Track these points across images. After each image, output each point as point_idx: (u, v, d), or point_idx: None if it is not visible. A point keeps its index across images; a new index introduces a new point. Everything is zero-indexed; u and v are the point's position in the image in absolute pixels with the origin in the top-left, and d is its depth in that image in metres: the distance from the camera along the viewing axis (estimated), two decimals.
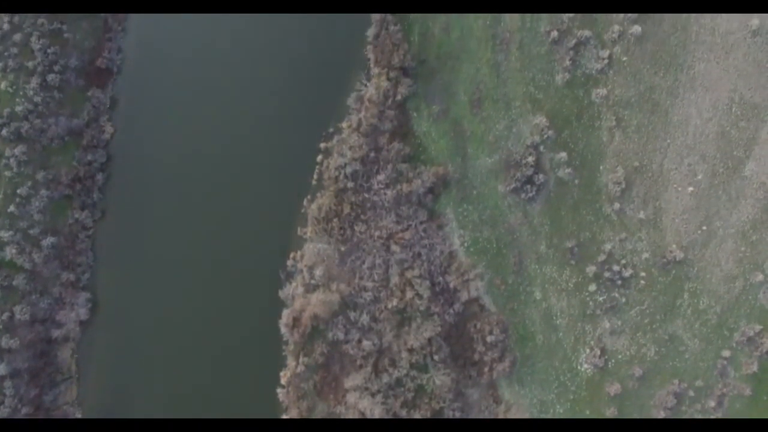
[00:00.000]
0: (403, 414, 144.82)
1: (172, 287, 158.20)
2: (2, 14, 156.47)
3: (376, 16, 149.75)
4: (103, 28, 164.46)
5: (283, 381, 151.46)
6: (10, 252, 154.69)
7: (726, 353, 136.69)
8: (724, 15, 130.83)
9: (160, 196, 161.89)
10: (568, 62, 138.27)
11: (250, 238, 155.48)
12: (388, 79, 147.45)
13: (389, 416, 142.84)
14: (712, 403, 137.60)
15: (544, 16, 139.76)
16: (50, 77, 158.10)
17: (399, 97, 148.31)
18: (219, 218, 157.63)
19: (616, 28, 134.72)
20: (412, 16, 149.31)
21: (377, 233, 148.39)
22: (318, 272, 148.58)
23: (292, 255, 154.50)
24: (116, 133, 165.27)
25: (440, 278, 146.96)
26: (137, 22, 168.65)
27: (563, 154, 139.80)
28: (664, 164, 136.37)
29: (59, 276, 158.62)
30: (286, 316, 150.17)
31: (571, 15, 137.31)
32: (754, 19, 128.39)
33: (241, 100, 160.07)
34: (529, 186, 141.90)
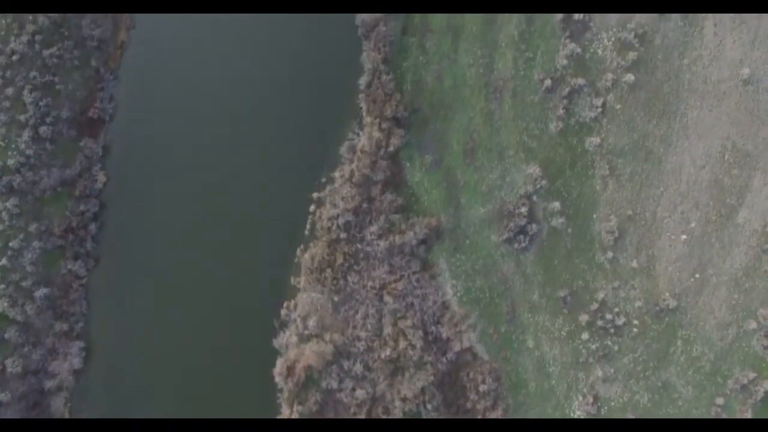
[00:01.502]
0: None
1: (166, 334, 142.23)
2: None
3: (368, 65, 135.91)
4: (94, 77, 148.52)
5: None
6: (2, 305, 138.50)
7: (720, 400, 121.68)
8: (715, 63, 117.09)
9: (153, 243, 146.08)
10: (561, 111, 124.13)
11: (244, 286, 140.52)
12: (381, 129, 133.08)
13: None
14: None
15: (537, 63, 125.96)
16: (42, 129, 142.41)
17: (391, 148, 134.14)
18: (213, 267, 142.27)
19: (610, 76, 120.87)
20: (405, 64, 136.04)
21: (370, 283, 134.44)
22: (311, 322, 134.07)
23: (285, 304, 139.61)
24: (109, 181, 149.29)
25: (433, 328, 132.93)
26: (129, 70, 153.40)
27: (556, 204, 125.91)
28: (657, 212, 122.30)
29: (52, 326, 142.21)
30: (280, 365, 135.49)
31: (565, 63, 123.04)
32: (745, 68, 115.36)
33: (233, 148, 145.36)
34: (522, 236, 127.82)
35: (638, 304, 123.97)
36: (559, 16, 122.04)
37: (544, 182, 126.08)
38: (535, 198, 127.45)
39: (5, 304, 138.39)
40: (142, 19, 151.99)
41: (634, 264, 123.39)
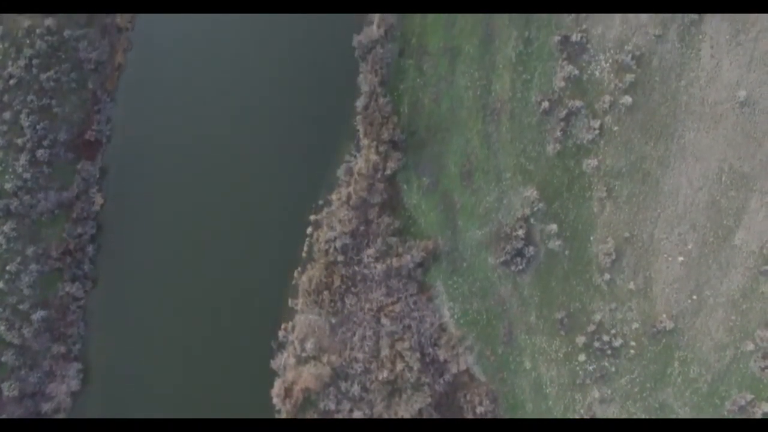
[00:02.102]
0: None
1: (163, 354, 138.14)
2: None
3: (365, 87, 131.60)
4: (91, 99, 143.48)
5: None
6: None
7: None
8: (712, 85, 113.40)
9: (150, 264, 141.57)
10: (559, 133, 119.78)
11: (242, 307, 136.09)
12: (378, 152, 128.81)
13: None
14: None
15: (535, 84, 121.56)
16: (39, 153, 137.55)
17: (388, 171, 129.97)
18: (210, 288, 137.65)
19: (607, 98, 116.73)
20: (403, 86, 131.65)
21: (367, 306, 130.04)
22: (309, 345, 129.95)
23: (283, 326, 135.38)
24: (106, 202, 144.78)
25: (430, 349, 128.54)
26: (126, 91, 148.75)
27: (553, 226, 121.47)
28: (654, 234, 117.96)
29: (50, 349, 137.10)
30: (277, 386, 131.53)
31: (562, 85, 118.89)
32: (742, 90, 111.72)
33: (230, 169, 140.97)
34: (519, 258, 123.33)
35: (635, 325, 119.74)
36: (557, 38, 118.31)
37: (541, 205, 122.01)
38: (532, 220, 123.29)
39: (2, 328, 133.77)
40: (139, 41, 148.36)
41: (631, 286, 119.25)
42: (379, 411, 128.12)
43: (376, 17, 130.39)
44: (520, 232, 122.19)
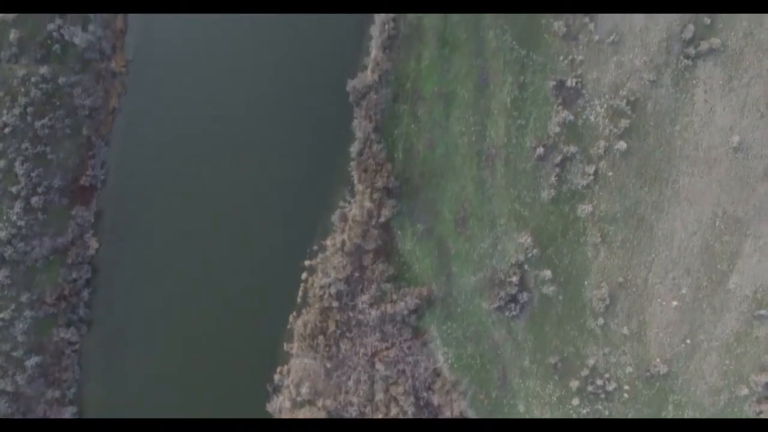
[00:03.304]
0: None
1: (159, 399, 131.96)
2: None
3: (359, 133, 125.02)
4: (86, 145, 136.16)
5: None
6: None
7: None
8: (706, 130, 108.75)
9: (146, 307, 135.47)
10: (553, 178, 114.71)
11: (237, 351, 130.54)
12: (372, 200, 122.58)
13: None
14: None
15: (529, 130, 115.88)
16: (34, 200, 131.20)
17: (383, 219, 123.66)
18: (205, 332, 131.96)
19: (602, 143, 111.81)
20: (397, 131, 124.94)
21: (362, 350, 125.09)
22: (304, 388, 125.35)
23: (279, 369, 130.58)
24: (101, 246, 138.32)
25: (425, 394, 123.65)
26: (121, 136, 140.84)
27: (548, 272, 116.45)
28: (648, 279, 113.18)
29: (44, 394, 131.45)
30: None
31: (557, 130, 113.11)
32: (735, 135, 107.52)
33: (225, 214, 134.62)
34: (513, 304, 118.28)
35: (629, 369, 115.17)
36: (552, 83, 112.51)
37: (535, 250, 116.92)
38: (526, 266, 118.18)
39: None
40: (133, 85, 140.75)
41: (625, 330, 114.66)
42: None
43: (370, 62, 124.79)
44: (514, 278, 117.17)
